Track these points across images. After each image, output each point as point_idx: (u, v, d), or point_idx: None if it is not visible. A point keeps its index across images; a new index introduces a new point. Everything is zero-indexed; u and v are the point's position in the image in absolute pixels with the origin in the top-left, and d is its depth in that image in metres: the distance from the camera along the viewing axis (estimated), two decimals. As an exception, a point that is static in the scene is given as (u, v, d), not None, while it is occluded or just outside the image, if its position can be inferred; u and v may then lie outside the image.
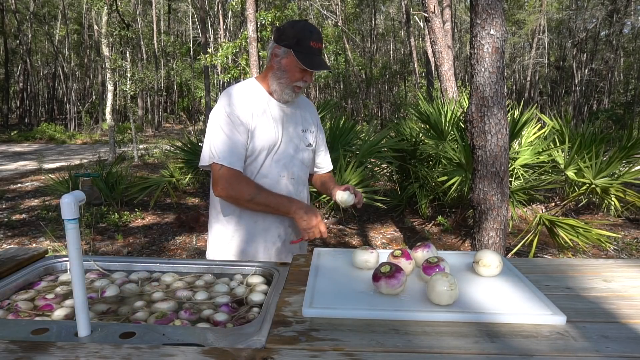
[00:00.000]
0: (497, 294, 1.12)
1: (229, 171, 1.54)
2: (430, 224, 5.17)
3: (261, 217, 1.64)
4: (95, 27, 23.03)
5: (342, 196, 1.67)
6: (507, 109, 3.25)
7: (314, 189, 2.11)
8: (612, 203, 4.79)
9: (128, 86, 12.58)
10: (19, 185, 8.02)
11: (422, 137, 5.42)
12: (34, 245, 4.56)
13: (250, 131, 1.58)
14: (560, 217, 3.98)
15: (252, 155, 1.60)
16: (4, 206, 6.27)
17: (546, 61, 25.97)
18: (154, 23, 24.75)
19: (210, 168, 1.58)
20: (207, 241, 1.78)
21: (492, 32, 2.84)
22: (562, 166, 4.90)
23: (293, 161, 1.67)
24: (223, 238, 1.69)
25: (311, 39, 1.53)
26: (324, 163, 1.92)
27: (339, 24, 21.70)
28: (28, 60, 23.69)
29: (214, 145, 1.55)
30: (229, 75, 11.94)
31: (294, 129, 1.68)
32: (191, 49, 26.40)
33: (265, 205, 1.58)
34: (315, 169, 1.91)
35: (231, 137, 1.55)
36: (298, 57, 1.53)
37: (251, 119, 1.58)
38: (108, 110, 11.55)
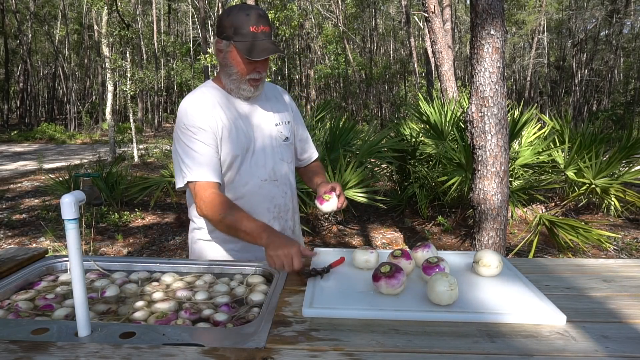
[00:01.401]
0: (497, 294, 1.12)
1: (203, 186, 1.38)
2: (430, 224, 5.17)
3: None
4: (95, 27, 23.03)
5: (323, 208, 1.50)
6: (507, 109, 3.26)
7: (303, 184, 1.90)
8: (612, 203, 4.79)
9: (128, 86, 12.57)
10: (19, 185, 8.02)
11: (422, 137, 5.42)
12: (34, 245, 4.56)
13: (218, 138, 1.42)
14: (560, 217, 3.99)
15: (225, 164, 1.45)
16: (4, 206, 6.27)
17: (546, 61, 25.97)
18: (154, 23, 24.75)
19: (187, 188, 1.44)
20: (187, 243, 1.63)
21: (492, 32, 2.84)
22: (562, 166, 4.90)
23: (273, 161, 1.51)
24: (202, 237, 1.57)
25: (250, 24, 1.35)
26: (307, 153, 1.71)
27: (339, 24, 21.70)
28: (28, 60, 23.68)
29: (184, 163, 1.40)
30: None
31: (267, 126, 1.51)
32: (191, 49, 26.40)
33: (236, 228, 1.33)
34: (299, 163, 1.72)
35: (198, 149, 1.39)
36: (239, 48, 1.37)
37: (215, 125, 1.42)
38: (108, 110, 11.55)
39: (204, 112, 1.43)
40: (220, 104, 1.46)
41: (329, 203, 1.50)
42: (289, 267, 1.23)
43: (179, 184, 1.43)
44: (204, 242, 1.58)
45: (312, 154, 1.74)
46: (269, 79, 11.58)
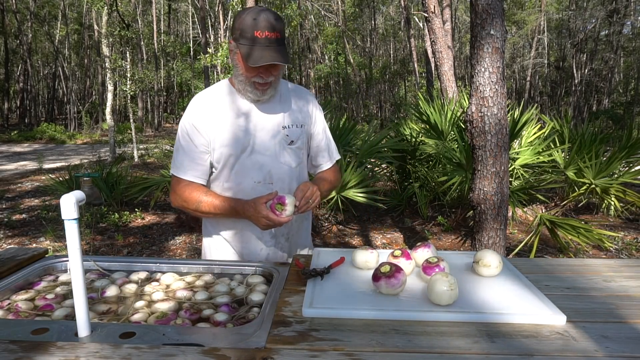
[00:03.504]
0: (497, 294, 1.12)
1: (178, 181, 1.49)
2: (430, 224, 5.17)
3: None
4: (96, 27, 23.03)
5: (282, 220, 1.37)
6: (507, 109, 3.26)
7: None
8: (612, 203, 4.79)
9: (128, 86, 12.57)
10: (19, 185, 8.02)
11: (422, 137, 5.42)
12: (34, 245, 4.56)
13: (211, 138, 1.45)
14: (561, 217, 3.98)
15: (219, 162, 1.47)
16: (4, 206, 6.27)
17: (546, 61, 25.97)
18: (154, 23, 24.75)
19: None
20: (202, 241, 1.67)
21: (492, 32, 2.84)
22: (562, 166, 4.90)
23: (271, 164, 1.48)
24: (218, 236, 1.59)
25: (256, 28, 1.32)
26: (320, 161, 1.66)
27: (339, 24, 21.71)
28: (28, 60, 23.68)
29: (174, 156, 1.51)
30: (229, 75, 11.93)
31: (271, 128, 1.48)
32: (191, 49, 26.42)
33: (212, 212, 1.45)
34: (314, 169, 1.68)
35: (186, 147, 1.47)
36: (241, 52, 1.36)
37: (211, 125, 1.45)
38: (108, 110, 11.55)
39: (203, 111, 1.46)
40: (225, 102, 1.48)
41: (285, 212, 1.36)
42: (265, 225, 1.37)
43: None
44: (208, 239, 1.63)
45: (326, 162, 1.66)
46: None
